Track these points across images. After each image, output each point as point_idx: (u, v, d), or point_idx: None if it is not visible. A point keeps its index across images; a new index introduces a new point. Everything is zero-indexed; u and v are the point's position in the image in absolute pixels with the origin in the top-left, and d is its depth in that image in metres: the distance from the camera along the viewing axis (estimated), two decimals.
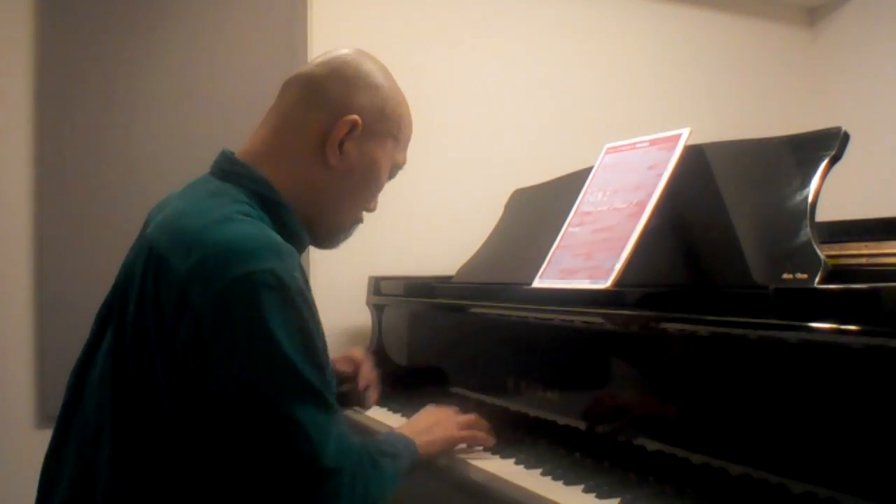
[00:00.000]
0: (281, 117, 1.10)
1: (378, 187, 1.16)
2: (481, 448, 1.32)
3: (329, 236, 1.17)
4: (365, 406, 1.46)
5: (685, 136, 1.33)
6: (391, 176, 1.19)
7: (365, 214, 1.19)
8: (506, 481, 1.15)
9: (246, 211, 1.01)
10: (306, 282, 1.01)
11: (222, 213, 0.99)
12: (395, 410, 1.65)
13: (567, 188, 1.58)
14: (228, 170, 1.08)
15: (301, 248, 1.10)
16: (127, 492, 0.95)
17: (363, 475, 0.99)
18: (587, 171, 1.53)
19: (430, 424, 1.26)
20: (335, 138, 1.07)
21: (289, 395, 0.92)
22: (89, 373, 1.03)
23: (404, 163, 1.19)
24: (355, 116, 1.07)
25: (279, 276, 0.93)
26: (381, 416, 1.62)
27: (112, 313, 1.03)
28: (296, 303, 0.94)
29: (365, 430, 1.57)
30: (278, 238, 0.98)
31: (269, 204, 1.06)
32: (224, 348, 0.91)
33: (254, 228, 0.98)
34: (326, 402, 0.96)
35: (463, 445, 1.31)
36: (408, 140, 1.18)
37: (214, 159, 1.13)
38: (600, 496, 1.06)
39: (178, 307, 0.92)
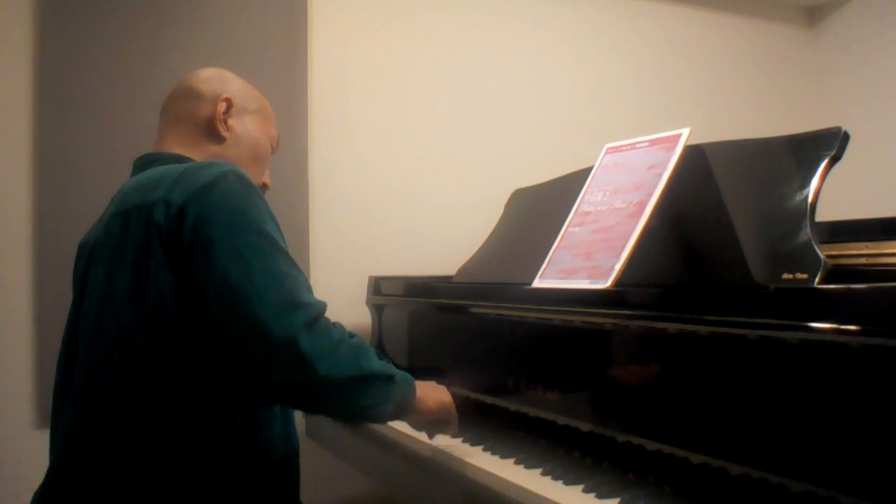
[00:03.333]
0: (174, 121, 1.31)
1: (266, 155, 1.37)
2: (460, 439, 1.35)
3: None
4: None
5: (685, 136, 1.33)
6: (274, 148, 1.40)
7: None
8: (506, 481, 1.15)
9: None
10: None
11: (174, 165, 1.17)
12: None
13: (567, 188, 1.58)
14: (150, 161, 1.25)
15: None
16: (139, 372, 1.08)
17: (340, 328, 1.11)
18: (587, 171, 1.53)
19: (429, 388, 1.29)
20: (219, 116, 1.29)
21: (262, 251, 1.07)
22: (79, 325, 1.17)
23: (278, 136, 1.41)
24: (228, 96, 1.31)
25: (244, 175, 1.13)
26: None
27: (86, 279, 1.17)
28: (261, 195, 1.14)
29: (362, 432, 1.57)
30: None
31: None
32: (208, 227, 1.06)
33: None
34: (294, 261, 1.12)
35: (457, 441, 1.35)
36: (273, 118, 1.40)
37: (133, 166, 1.28)
38: (600, 496, 1.06)
39: (165, 217, 1.07)
